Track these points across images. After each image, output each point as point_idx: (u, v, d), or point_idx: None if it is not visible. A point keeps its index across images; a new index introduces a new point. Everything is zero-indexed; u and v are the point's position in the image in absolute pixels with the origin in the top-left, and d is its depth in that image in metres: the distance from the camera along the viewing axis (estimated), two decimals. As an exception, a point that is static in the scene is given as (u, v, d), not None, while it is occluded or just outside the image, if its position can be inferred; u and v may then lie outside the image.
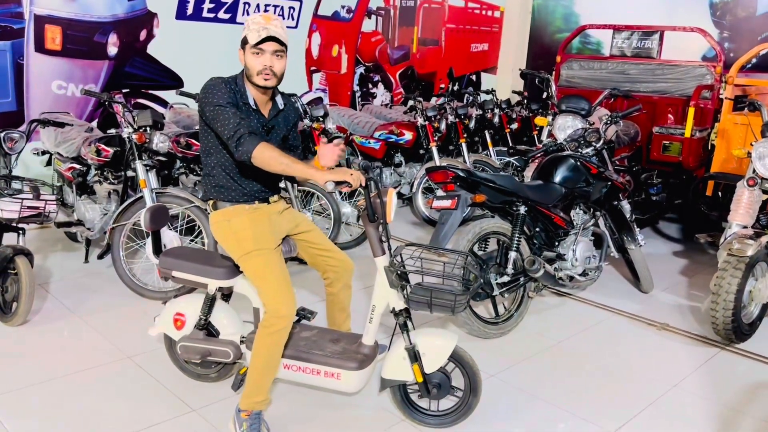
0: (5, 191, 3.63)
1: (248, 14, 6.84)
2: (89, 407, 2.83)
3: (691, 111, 5.49)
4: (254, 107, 2.69)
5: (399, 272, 2.57)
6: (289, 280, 2.65)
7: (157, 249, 2.94)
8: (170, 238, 3.94)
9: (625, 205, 4.33)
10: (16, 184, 3.76)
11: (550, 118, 6.11)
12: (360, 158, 5.86)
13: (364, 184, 2.51)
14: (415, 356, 2.63)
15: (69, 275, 4.38)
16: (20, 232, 3.67)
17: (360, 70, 8.19)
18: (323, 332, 2.89)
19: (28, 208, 3.55)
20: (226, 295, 3.01)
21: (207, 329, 2.91)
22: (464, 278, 2.62)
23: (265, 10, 7.01)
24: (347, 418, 2.87)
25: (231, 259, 2.78)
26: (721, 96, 5.53)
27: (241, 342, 2.85)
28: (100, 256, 4.56)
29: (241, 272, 2.77)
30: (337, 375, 2.66)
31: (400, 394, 2.80)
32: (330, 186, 2.44)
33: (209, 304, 2.87)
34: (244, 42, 2.61)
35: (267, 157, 2.49)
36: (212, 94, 2.58)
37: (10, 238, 3.63)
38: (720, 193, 5.37)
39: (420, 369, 2.63)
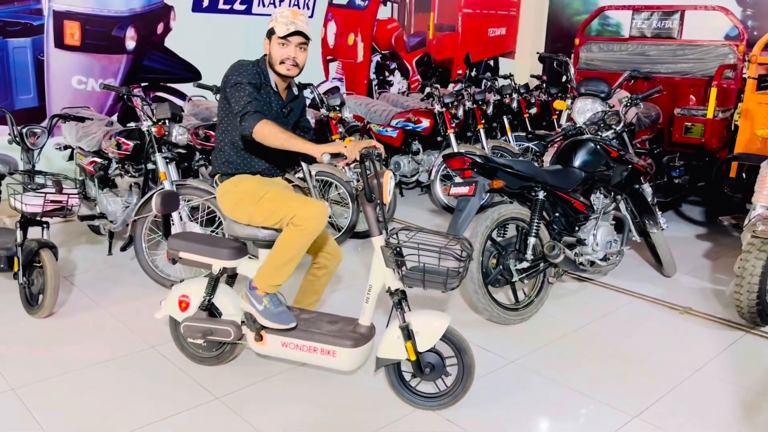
0: (29, 186, 3.69)
1: (263, 5, 6.85)
2: (114, 396, 2.88)
3: (714, 91, 5.39)
4: (275, 90, 2.90)
5: (395, 250, 2.63)
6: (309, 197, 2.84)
7: (167, 233, 3.06)
8: (191, 229, 3.99)
9: (647, 189, 4.27)
10: (39, 179, 3.81)
11: (569, 101, 6.04)
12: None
13: (358, 158, 2.60)
14: (408, 335, 2.66)
15: (93, 267, 4.45)
16: (44, 225, 3.73)
17: (376, 58, 8.16)
18: (322, 315, 2.97)
19: (52, 202, 3.60)
20: (231, 277, 3.11)
21: (210, 310, 2.99)
22: (459, 255, 2.63)
23: (281, 1, 7.00)
24: (368, 401, 2.89)
25: (237, 241, 2.90)
26: (744, 75, 5.42)
27: (242, 323, 2.92)
28: (123, 248, 4.64)
29: (245, 255, 2.91)
30: (332, 353, 2.73)
31: (395, 374, 2.84)
32: (326, 158, 2.56)
33: (213, 285, 2.96)
34: (271, 33, 2.82)
35: (267, 132, 2.65)
36: (237, 72, 2.78)
37: (34, 232, 3.69)
38: (744, 175, 5.29)
39: (413, 347, 2.67)
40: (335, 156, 2.57)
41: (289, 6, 7.10)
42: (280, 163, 3.01)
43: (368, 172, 2.65)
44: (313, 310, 3.13)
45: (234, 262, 2.89)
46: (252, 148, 2.86)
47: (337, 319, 2.91)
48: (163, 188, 3.98)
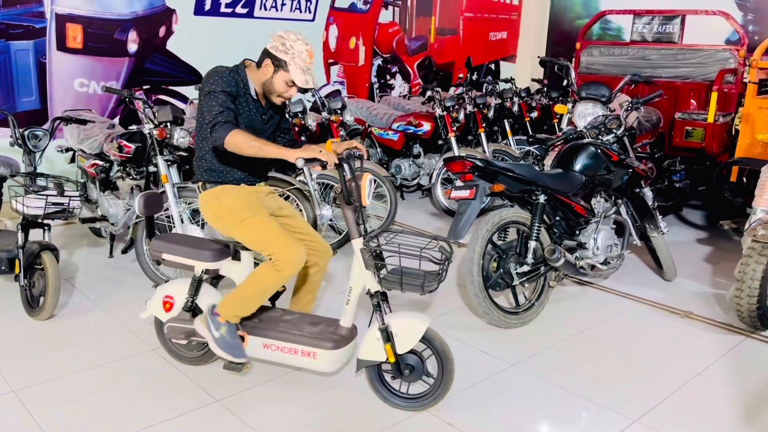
0: (30, 188, 3.70)
1: (265, 9, 6.86)
2: (115, 399, 2.89)
3: (714, 96, 5.40)
4: (255, 97, 2.85)
5: (374, 253, 2.64)
6: (290, 234, 2.80)
7: (151, 234, 3.07)
8: (192, 231, 3.99)
9: (647, 193, 4.28)
10: (40, 181, 3.83)
11: (570, 105, 6.06)
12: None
13: (336, 162, 2.61)
14: (387, 337, 2.68)
15: (94, 270, 4.45)
16: (46, 228, 3.74)
17: (378, 61, 8.18)
18: (304, 316, 2.99)
19: (53, 204, 3.61)
20: (215, 279, 3.12)
21: (193, 311, 3.00)
22: (438, 258, 2.63)
23: (283, 4, 7.02)
24: (369, 404, 2.89)
25: (219, 243, 2.91)
26: (745, 80, 5.44)
27: None
28: (124, 251, 4.65)
29: (227, 257, 2.90)
30: (313, 354, 2.75)
31: (376, 375, 2.85)
32: (300, 163, 2.56)
33: (196, 286, 2.97)
34: (279, 63, 2.74)
35: (239, 141, 2.62)
36: (212, 80, 2.73)
37: (36, 234, 3.70)
38: (744, 179, 5.29)
39: (392, 349, 2.68)
40: (310, 161, 2.58)
41: (291, 9, 7.11)
42: (261, 170, 3.00)
43: (347, 174, 2.67)
44: (310, 311, 3.14)
45: (216, 264, 2.90)
46: (234, 157, 2.79)
47: (319, 320, 2.93)
48: (163, 191, 3.99)
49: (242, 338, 2.84)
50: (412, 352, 2.75)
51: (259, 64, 2.81)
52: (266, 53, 2.77)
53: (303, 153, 2.57)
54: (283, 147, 2.67)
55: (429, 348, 2.76)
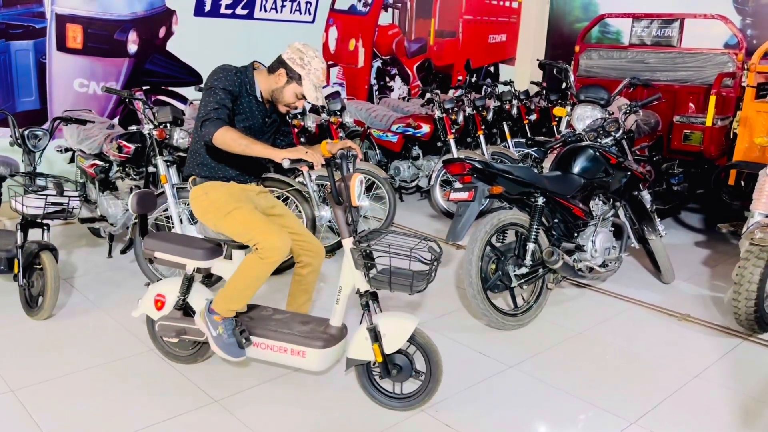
0: (30, 188, 3.70)
1: (265, 10, 6.87)
2: (113, 399, 2.89)
3: (713, 99, 5.42)
4: (260, 99, 2.88)
5: (364, 252, 2.65)
6: (275, 224, 2.83)
7: (143, 232, 3.09)
8: (190, 232, 3.99)
9: (646, 195, 4.29)
10: (40, 181, 3.83)
11: (568, 108, 6.07)
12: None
13: (323, 163, 2.64)
14: (375, 336, 2.68)
15: (93, 270, 4.45)
16: (45, 228, 3.74)
17: (377, 63, 8.19)
18: (295, 315, 3.00)
19: (52, 204, 3.61)
20: (207, 277, 3.11)
21: (185, 310, 3.02)
22: (427, 259, 2.64)
23: (283, 6, 7.03)
24: (367, 405, 2.90)
25: (211, 241, 2.94)
26: (743, 84, 5.45)
27: None
28: (123, 251, 4.65)
29: (219, 255, 2.93)
30: (302, 353, 2.77)
31: (365, 374, 2.86)
32: (286, 163, 2.58)
33: (187, 284, 2.99)
34: (294, 76, 2.81)
35: (228, 138, 2.64)
36: (216, 76, 2.78)
37: (35, 234, 3.70)
38: (742, 182, 5.30)
39: (380, 349, 2.69)
40: (296, 161, 2.59)
41: (291, 11, 7.12)
42: (253, 169, 3.02)
43: (334, 175, 2.68)
44: (306, 312, 3.14)
45: (207, 263, 2.92)
46: (223, 152, 2.79)
47: (310, 319, 2.95)
48: (163, 192, 4.00)
49: (247, 339, 2.84)
50: (399, 351, 2.75)
51: (271, 70, 2.84)
52: (282, 63, 2.80)
53: (289, 153, 2.59)
54: (270, 147, 2.69)
55: (412, 344, 2.77)
